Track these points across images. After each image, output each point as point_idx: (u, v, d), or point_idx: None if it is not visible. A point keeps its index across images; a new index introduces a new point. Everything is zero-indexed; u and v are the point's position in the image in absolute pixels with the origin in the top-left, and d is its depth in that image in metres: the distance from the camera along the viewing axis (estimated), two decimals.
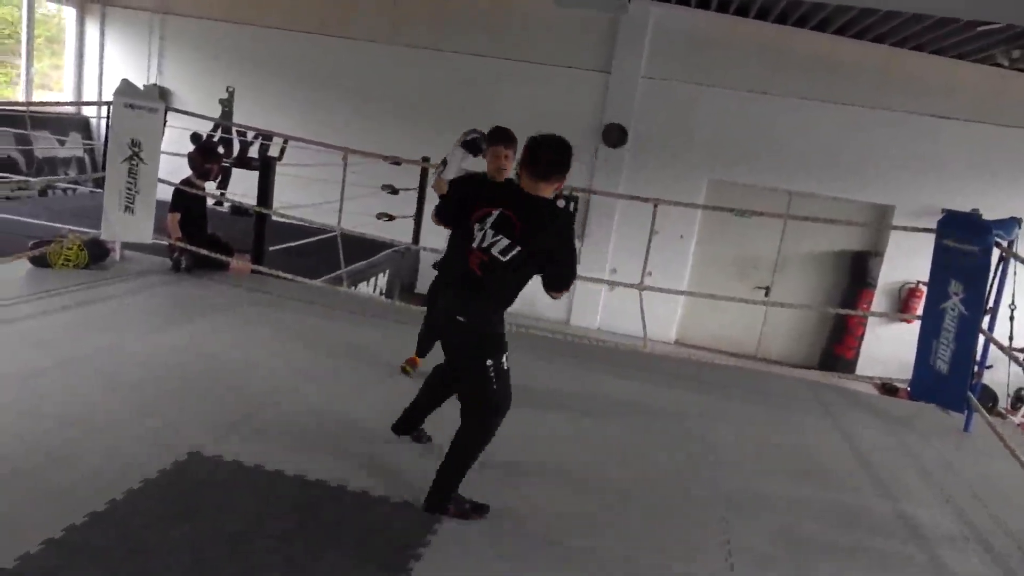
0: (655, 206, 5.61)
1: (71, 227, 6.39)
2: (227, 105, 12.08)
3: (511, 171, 3.72)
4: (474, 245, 2.92)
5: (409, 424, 3.51)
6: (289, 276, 6.23)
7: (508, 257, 2.87)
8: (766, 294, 10.81)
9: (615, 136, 10.70)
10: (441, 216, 3.44)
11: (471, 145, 3.70)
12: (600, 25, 10.68)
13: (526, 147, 2.97)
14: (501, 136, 3.80)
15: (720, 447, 4.11)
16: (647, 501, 3.35)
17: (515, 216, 2.89)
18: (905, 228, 6.33)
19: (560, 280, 3.00)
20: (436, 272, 4.11)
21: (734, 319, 10.88)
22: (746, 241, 10.87)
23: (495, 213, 2.92)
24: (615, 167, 10.83)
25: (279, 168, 6.97)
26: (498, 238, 2.88)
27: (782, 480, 3.78)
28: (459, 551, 2.76)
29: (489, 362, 2.91)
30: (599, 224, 11.07)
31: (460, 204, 3.16)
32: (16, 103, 11.43)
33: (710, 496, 3.48)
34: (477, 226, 2.94)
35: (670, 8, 10.38)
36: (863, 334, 10.60)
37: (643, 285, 5.76)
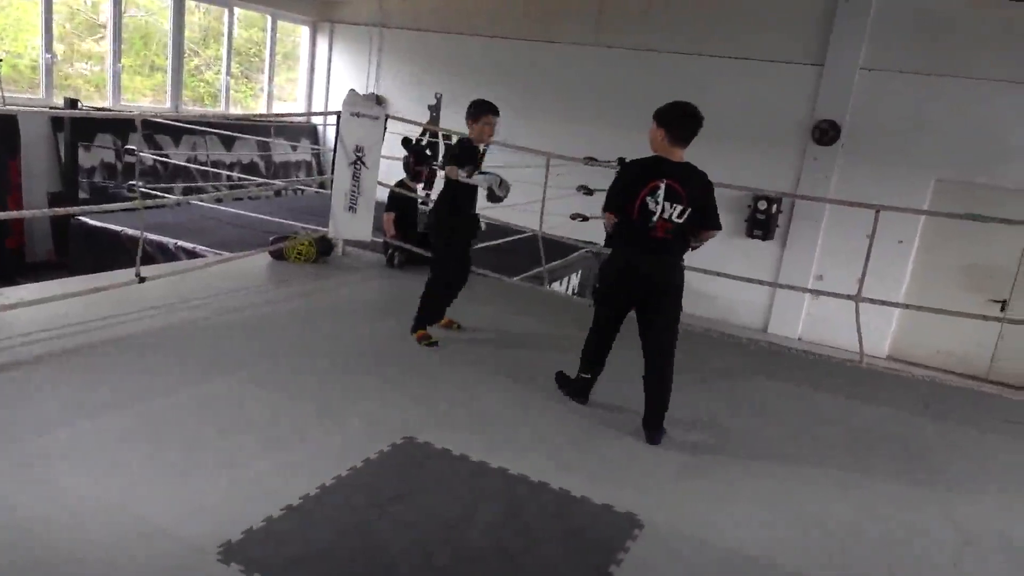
0: (877, 212, 5.09)
1: (303, 225, 7.10)
2: (435, 110, 12.81)
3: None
4: (655, 218, 3.49)
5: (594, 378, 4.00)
6: (491, 273, 6.47)
7: (684, 219, 3.51)
8: (1002, 308, 9.54)
9: (826, 133, 10.00)
10: (612, 206, 3.65)
11: (491, 195, 4.47)
12: (813, 15, 10.03)
13: (678, 117, 3.47)
14: (492, 108, 4.60)
15: (957, 480, 3.69)
16: (874, 537, 3.07)
17: (678, 185, 3.48)
18: None
19: (717, 219, 3.63)
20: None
21: (961, 334, 9.71)
22: (979, 247, 9.64)
23: (662, 186, 3.47)
24: (825, 165, 10.12)
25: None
26: (674, 207, 3.48)
27: None
28: (660, 560, 2.71)
29: (681, 306, 3.66)
30: (804, 227, 10.41)
31: (626, 188, 3.58)
32: (260, 115, 12.91)
33: (945, 535, 3.14)
34: (650, 200, 3.48)
35: None
36: None
37: (860, 296, 5.28)
